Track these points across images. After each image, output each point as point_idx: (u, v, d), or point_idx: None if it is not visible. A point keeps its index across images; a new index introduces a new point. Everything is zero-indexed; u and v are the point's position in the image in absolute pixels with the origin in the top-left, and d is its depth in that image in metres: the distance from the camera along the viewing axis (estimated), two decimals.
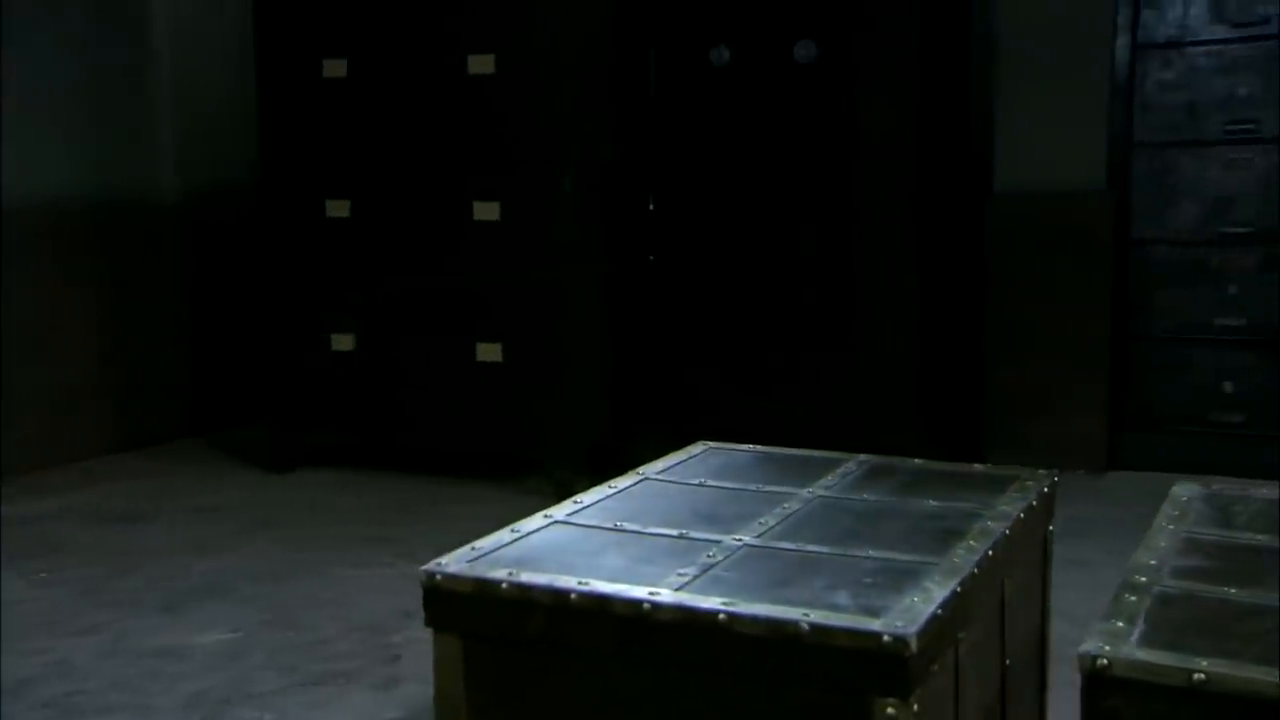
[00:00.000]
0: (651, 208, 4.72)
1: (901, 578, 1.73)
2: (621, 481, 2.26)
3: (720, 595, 1.67)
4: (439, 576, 1.80)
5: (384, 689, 3.10)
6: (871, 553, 1.84)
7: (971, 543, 1.86)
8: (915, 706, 1.54)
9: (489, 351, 4.71)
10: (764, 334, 4.61)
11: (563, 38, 4.56)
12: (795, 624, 1.58)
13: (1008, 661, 2.00)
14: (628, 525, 2.01)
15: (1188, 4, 4.68)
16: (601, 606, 1.69)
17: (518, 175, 4.62)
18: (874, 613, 1.60)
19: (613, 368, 4.84)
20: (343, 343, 4.92)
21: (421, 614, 3.56)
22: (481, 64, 4.63)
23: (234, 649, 3.30)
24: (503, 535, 1.95)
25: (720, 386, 4.66)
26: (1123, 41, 4.72)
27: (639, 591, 1.69)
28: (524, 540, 1.94)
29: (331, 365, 4.92)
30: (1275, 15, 4.57)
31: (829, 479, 2.25)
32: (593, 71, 4.72)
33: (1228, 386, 4.68)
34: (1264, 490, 2.14)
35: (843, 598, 1.66)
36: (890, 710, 1.52)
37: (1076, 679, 1.51)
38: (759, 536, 1.93)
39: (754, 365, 4.62)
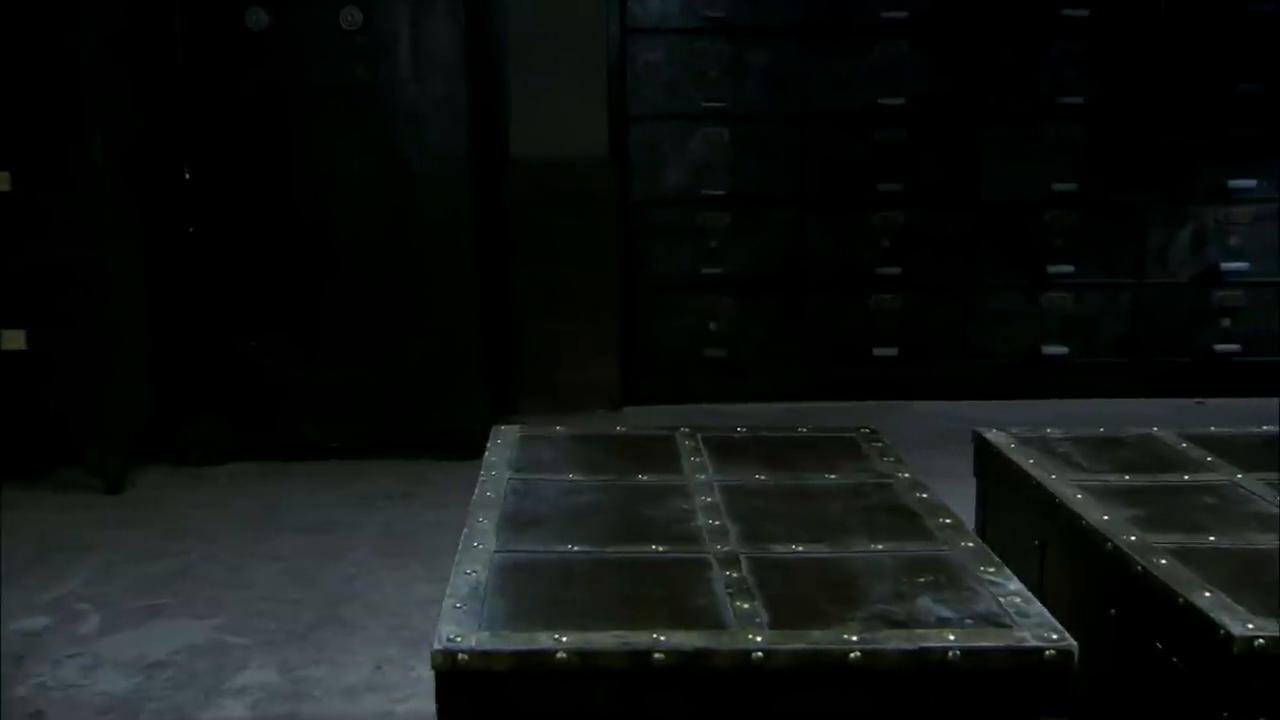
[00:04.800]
0: (188, 177, 3.84)
1: (945, 573, 1.39)
2: (489, 489, 1.68)
3: (814, 628, 1.24)
4: (462, 655, 1.17)
5: None
6: (876, 547, 1.48)
7: (944, 520, 1.57)
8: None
9: (11, 339, 3.61)
10: (320, 303, 3.93)
11: None
12: (943, 651, 1.20)
13: None
14: (576, 547, 1.48)
15: None
16: (697, 663, 1.19)
17: (31, 142, 3.56)
18: (993, 621, 1.26)
19: (157, 347, 3.92)
20: None
21: (49, 650, 2.65)
22: None
23: None
24: (465, 585, 1.34)
25: (277, 359, 3.91)
26: (614, 27, 4.54)
27: (739, 639, 1.21)
28: (498, 587, 1.35)
29: None
30: (731, 9, 4.60)
31: (694, 460, 1.82)
32: (109, 32, 3.71)
33: (713, 326, 4.71)
34: (1051, 431, 2.04)
35: (936, 608, 1.30)
36: None
37: None
38: (735, 544, 1.49)
39: (311, 336, 3.93)
